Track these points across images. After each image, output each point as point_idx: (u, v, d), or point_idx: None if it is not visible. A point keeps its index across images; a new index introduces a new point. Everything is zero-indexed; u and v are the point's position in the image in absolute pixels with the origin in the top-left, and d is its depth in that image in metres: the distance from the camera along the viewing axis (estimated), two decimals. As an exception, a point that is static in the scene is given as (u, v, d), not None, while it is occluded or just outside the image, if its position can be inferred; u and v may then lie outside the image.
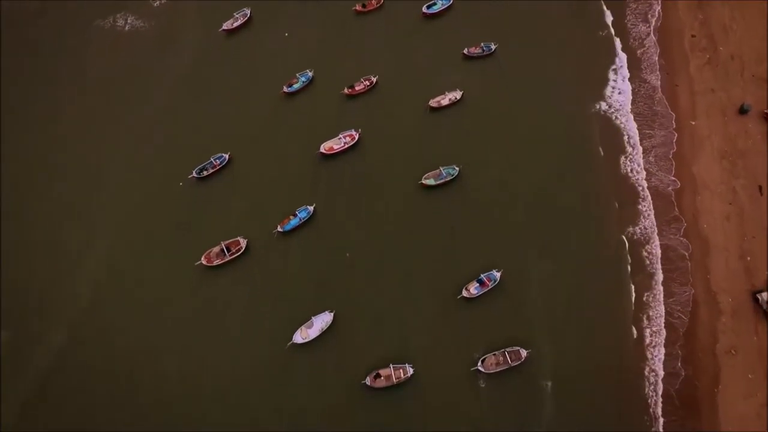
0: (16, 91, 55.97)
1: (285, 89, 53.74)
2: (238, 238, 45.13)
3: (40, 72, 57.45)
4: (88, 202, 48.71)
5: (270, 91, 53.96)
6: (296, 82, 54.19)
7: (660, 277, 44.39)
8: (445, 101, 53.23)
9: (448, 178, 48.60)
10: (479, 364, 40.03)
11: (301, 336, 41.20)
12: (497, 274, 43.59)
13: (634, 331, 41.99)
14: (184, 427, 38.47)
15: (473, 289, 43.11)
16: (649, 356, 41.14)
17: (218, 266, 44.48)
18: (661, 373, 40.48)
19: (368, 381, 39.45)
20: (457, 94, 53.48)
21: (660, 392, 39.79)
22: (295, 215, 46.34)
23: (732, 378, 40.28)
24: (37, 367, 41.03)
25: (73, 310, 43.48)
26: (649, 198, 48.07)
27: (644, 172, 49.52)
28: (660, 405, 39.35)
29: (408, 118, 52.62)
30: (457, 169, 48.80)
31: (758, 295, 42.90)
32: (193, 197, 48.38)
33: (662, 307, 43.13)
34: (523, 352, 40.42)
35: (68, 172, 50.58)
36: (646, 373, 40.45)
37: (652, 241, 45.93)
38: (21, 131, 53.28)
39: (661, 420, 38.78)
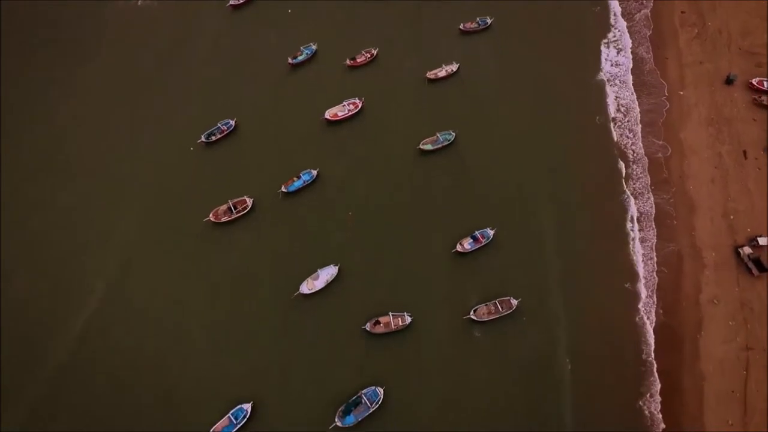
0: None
1: (290, 61, 56.15)
2: (245, 197, 47.44)
3: (58, 47, 60.06)
4: (107, 167, 51.19)
5: (275, 63, 56.46)
6: (300, 55, 56.60)
7: (650, 234, 46.41)
8: (441, 73, 55.51)
9: (445, 144, 50.86)
10: (472, 313, 42.16)
11: (308, 287, 43.43)
12: (490, 232, 45.76)
13: (627, 285, 43.96)
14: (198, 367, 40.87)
15: (467, 244, 45.29)
16: (638, 304, 43.16)
17: (225, 223, 46.78)
18: (649, 320, 42.46)
19: (368, 327, 41.65)
20: (453, 67, 55.73)
21: (648, 338, 41.77)
22: (299, 177, 48.65)
23: (713, 325, 42.29)
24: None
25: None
26: (639, 161, 50.20)
27: (635, 138, 51.65)
28: (648, 348, 41.29)
29: (407, 88, 54.98)
30: (454, 134, 51.06)
31: (740, 250, 44.92)
32: (202, 161, 50.78)
33: (651, 262, 45.13)
34: (514, 302, 42.53)
35: (86, 141, 53.07)
36: (636, 320, 42.44)
37: (641, 200, 48.01)
38: (42, 96, 56.15)
39: (649, 360, 40.70)
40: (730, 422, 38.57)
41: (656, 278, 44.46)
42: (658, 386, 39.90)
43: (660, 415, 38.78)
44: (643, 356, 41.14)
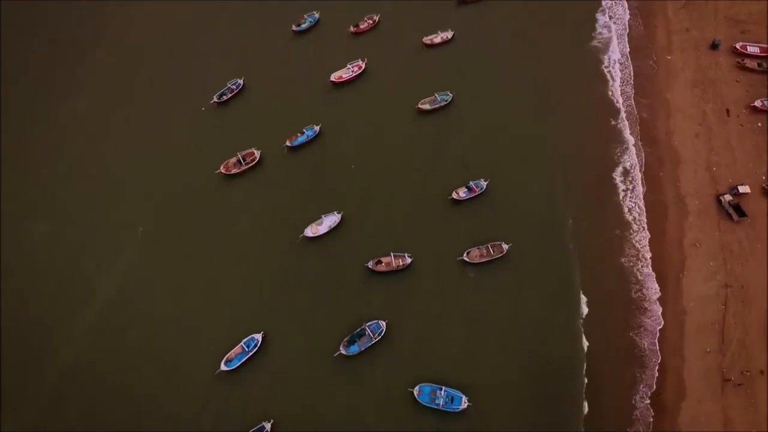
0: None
1: (294, 28, 58.90)
2: (252, 149, 50.22)
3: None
4: (124, 131, 54.20)
5: (280, 29, 59.21)
6: (304, 22, 59.38)
7: (637, 185, 49.05)
8: (437, 39, 58.37)
9: (443, 104, 53.59)
10: (465, 255, 44.84)
11: (312, 231, 46.19)
12: (484, 183, 48.45)
13: (617, 231, 46.64)
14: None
15: (462, 193, 48.00)
16: (626, 249, 45.86)
17: (235, 174, 49.56)
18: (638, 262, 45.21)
19: (371, 265, 44.38)
20: (448, 34, 58.55)
21: (634, 278, 44.43)
22: (302, 132, 51.41)
23: (696, 265, 44.92)
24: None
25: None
26: (628, 118, 52.89)
27: (625, 97, 54.33)
28: (633, 288, 44.00)
29: (407, 53, 57.85)
30: (451, 95, 53.78)
31: (721, 198, 47.52)
32: (213, 119, 53.62)
33: (639, 210, 47.75)
34: (505, 246, 45.19)
35: (102, 109, 56.03)
36: (623, 262, 45.06)
37: (629, 154, 50.66)
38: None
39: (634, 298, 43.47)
40: (708, 350, 41.19)
41: (643, 225, 47.18)
42: (645, 320, 42.65)
43: (644, 343, 41.48)
44: (632, 294, 43.81)
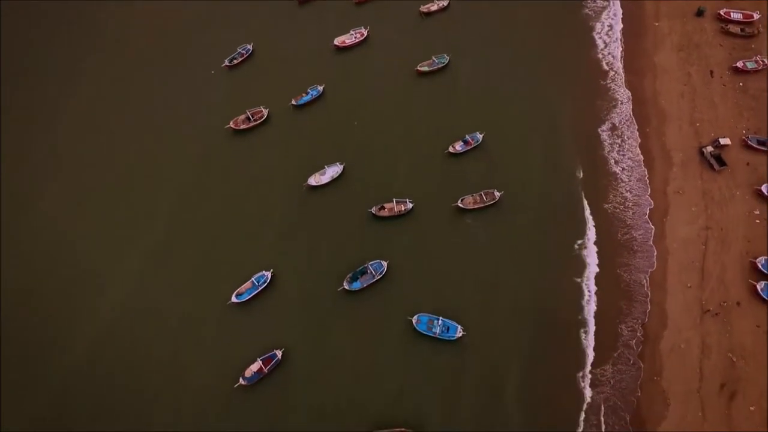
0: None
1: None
2: (260, 107, 53.17)
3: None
4: (139, 92, 57.15)
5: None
6: (308, -7, 62.43)
7: (625, 139, 51.83)
8: (434, 7, 61.38)
9: (440, 66, 56.50)
10: (459, 201, 47.64)
11: (314, 180, 49.05)
12: (479, 136, 51.30)
13: (603, 181, 49.46)
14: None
15: (458, 146, 50.84)
16: (611, 197, 48.65)
17: (244, 130, 52.53)
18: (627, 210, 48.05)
19: (374, 210, 47.23)
20: (444, 2, 61.56)
21: (624, 222, 47.23)
22: (307, 92, 54.40)
23: (679, 210, 47.64)
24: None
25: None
26: (618, 79, 55.71)
27: (615, 60, 57.17)
28: (622, 233, 46.72)
29: (407, 20, 60.78)
30: (447, 58, 56.67)
31: (703, 149, 50.27)
32: (223, 81, 56.60)
33: (626, 163, 50.54)
34: (497, 194, 47.98)
35: (115, 71, 59.06)
36: (606, 208, 47.86)
37: (618, 111, 53.49)
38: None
39: (625, 235, 46.31)
40: (689, 285, 43.89)
41: (630, 178, 49.90)
42: (633, 260, 45.36)
43: (628, 277, 44.31)
44: (618, 236, 46.57)
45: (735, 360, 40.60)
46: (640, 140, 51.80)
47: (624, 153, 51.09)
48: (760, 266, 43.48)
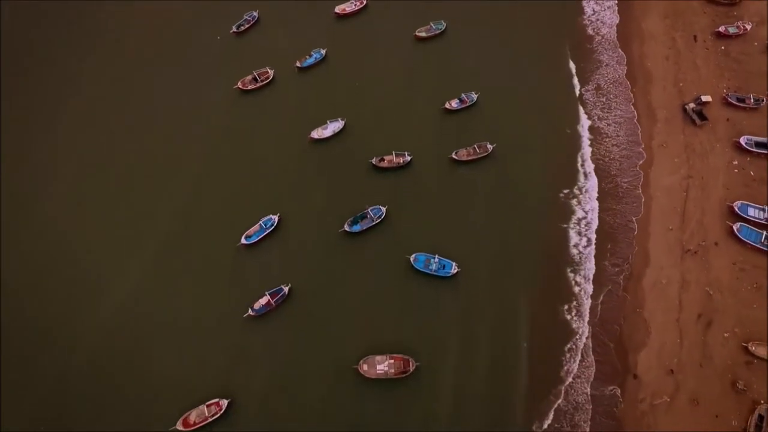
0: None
1: (304, -30, 64.81)
2: (266, 68, 56.10)
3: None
4: (146, 61, 60.03)
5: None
6: (312, -35, 65.16)
7: (611, 98, 54.71)
8: (432, -22, 64.22)
9: (437, 32, 59.38)
10: (454, 154, 50.49)
11: (317, 134, 51.95)
12: (474, 95, 54.17)
13: (580, 129, 52.54)
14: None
15: (454, 103, 53.73)
16: (587, 137, 51.99)
17: (251, 90, 55.43)
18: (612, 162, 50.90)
19: (374, 161, 50.08)
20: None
21: (608, 172, 50.08)
22: (310, 55, 57.33)
23: (662, 162, 50.44)
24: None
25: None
26: (606, 42, 58.59)
27: (605, 25, 60.04)
28: (607, 182, 49.55)
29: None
30: (444, 24, 59.56)
31: (686, 106, 53.09)
32: (230, 46, 59.52)
33: (615, 119, 53.42)
34: (490, 146, 50.81)
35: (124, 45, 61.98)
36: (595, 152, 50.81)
37: (606, 71, 56.44)
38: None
39: (611, 184, 49.21)
40: (670, 228, 46.69)
41: (618, 133, 52.73)
42: (619, 206, 48.28)
43: (614, 221, 47.21)
44: (603, 185, 49.37)
45: (712, 293, 43.39)
46: (633, 98, 54.69)
47: (611, 111, 53.93)
48: (736, 209, 46.28)
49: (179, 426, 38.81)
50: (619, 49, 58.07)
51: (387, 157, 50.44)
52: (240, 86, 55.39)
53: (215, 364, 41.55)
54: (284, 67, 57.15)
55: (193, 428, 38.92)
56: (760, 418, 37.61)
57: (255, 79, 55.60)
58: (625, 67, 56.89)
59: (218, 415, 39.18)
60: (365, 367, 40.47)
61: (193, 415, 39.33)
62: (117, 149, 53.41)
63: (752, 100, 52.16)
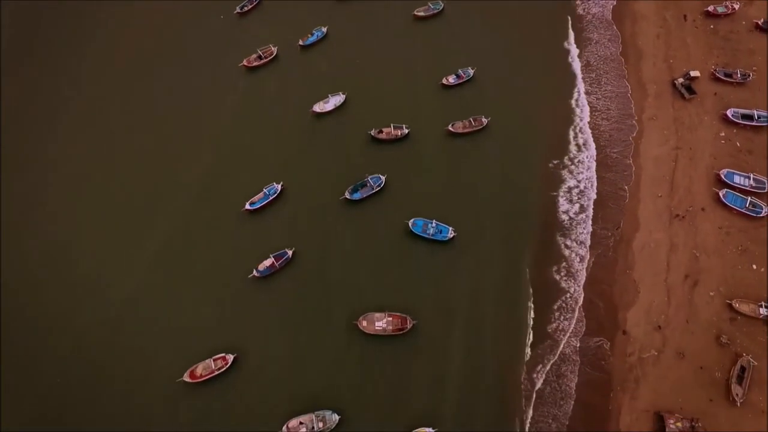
0: None
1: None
2: (270, 46, 58.01)
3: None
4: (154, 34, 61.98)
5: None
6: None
7: (602, 74, 56.56)
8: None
9: (435, 11, 61.30)
10: (450, 126, 52.31)
11: (319, 107, 53.81)
12: (471, 71, 56.01)
13: (573, 104, 54.38)
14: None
15: (451, 79, 55.58)
16: (579, 111, 53.86)
17: (256, 67, 57.35)
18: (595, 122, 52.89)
19: (373, 133, 51.90)
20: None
21: (598, 142, 51.96)
22: (312, 34, 59.28)
23: (652, 134, 52.22)
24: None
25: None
26: (598, 20, 60.46)
27: (596, 5, 61.92)
28: (593, 146, 51.52)
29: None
30: (442, 3, 61.48)
31: (675, 81, 54.88)
32: (234, 26, 61.43)
33: (604, 94, 55.26)
34: (485, 119, 52.62)
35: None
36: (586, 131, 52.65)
37: (597, 48, 58.29)
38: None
39: (604, 154, 51.06)
40: (659, 195, 48.43)
41: (609, 107, 54.55)
42: (609, 174, 50.14)
43: (604, 189, 49.09)
44: (593, 151, 51.32)
45: (698, 255, 45.12)
46: (617, 75, 56.53)
47: (603, 86, 55.77)
48: (723, 177, 48.03)
49: (186, 378, 40.61)
50: (614, 27, 60.04)
51: (385, 130, 52.27)
52: (245, 64, 57.28)
53: (222, 322, 43.33)
54: (287, 45, 59.05)
55: (199, 380, 40.73)
56: (742, 369, 39.30)
57: (259, 57, 57.49)
58: (619, 45, 58.80)
59: (224, 368, 40.98)
60: (364, 323, 42.27)
61: (200, 368, 41.15)
62: (122, 129, 54.90)
63: (739, 75, 53.96)
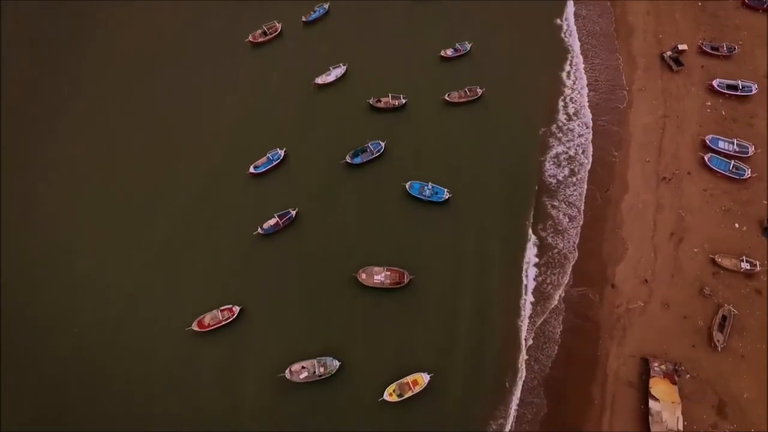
0: None
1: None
2: (274, 21, 60.28)
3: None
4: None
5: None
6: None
7: (595, 49, 58.76)
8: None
9: (434, -9, 63.61)
10: (446, 96, 54.51)
11: (321, 79, 56.01)
12: (468, 45, 58.20)
13: (564, 76, 56.54)
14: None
15: (449, 52, 57.78)
16: (570, 83, 56.03)
17: (260, 43, 59.58)
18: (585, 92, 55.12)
19: (372, 101, 54.05)
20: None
21: (584, 103, 54.27)
22: (315, 10, 61.56)
23: (641, 103, 54.31)
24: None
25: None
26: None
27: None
28: (588, 119, 53.60)
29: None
30: (440, -15, 63.80)
31: (663, 54, 56.96)
32: (238, 4, 63.67)
33: (595, 66, 57.40)
34: (480, 90, 54.78)
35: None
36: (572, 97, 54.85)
37: (589, 23, 60.64)
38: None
39: (595, 123, 53.21)
40: (647, 160, 50.49)
41: (599, 79, 56.68)
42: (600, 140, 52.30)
43: (593, 150, 51.26)
44: (585, 120, 53.50)
45: (684, 215, 47.12)
46: (617, 48, 58.76)
47: (595, 58, 57.93)
48: (708, 142, 50.06)
49: (194, 327, 42.71)
50: (607, 3, 62.31)
51: (383, 99, 54.43)
52: (251, 39, 59.51)
53: (228, 276, 45.46)
54: (291, 22, 61.30)
55: (207, 329, 42.83)
56: (723, 317, 41.27)
57: (264, 33, 59.77)
58: (611, 22, 61.00)
59: (231, 319, 43.07)
60: (363, 275, 44.34)
61: (208, 318, 43.25)
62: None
63: (725, 49, 56.03)
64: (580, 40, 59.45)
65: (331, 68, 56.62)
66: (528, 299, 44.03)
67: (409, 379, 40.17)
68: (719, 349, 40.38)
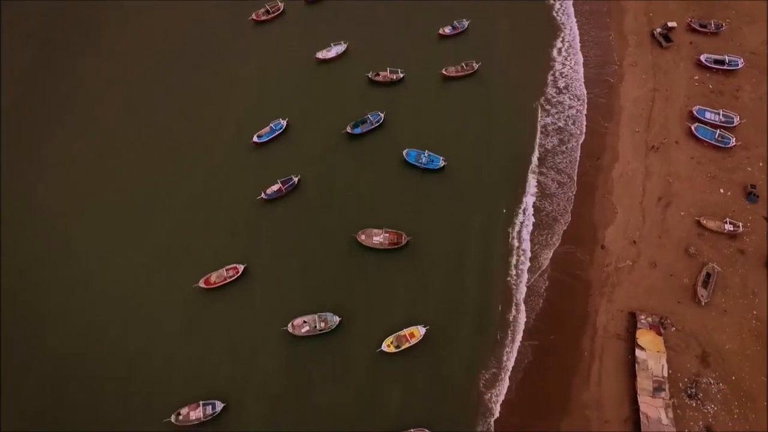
0: None
1: None
2: (277, 1, 62.24)
3: None
4: None
5: None
6: None
7: (588, 25, 60.82)
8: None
9: (432, -27, 65.52)
10: (444, 70, 56.44)
11: (322, 55, 57.99)
12: (466, 23, 60.16)
13: (557, 52, 58.58)
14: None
15: (447, 29, 59.75)
16: (562, 59, 57.96)
17: (264, 21, 61.59)
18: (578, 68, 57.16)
19: (370, 75, 55.96)
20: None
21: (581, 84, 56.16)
22: (317, -8, 63.73)
23: (632, 78, 56.22)
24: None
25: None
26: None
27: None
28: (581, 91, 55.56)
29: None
30: (438, -33, 65.71)
31: (653, 31, 58.89)
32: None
33: (588, 43, 59.36)
34: (476, 64, 56.70)
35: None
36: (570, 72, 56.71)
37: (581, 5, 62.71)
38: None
39: (586, 96, 55.13)
40: (637, 130, 52.38)
41: (590, 54, 58.63)
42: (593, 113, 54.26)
43: (585, 121, 53.20)
44: (576, 92, 55.47)
45: (671, 181, 48.97)
46: (609, 25, 60.77)
47: (587, 35, 59.90)
48: (695, 113, 51.91)
49: (201, 284, 44.54)
50: (595, -14, 64.42)
51: (382, 73, 56.34)
52: (254, 18, 61.49)
53: (232, 237, 47.32)
54: (293, 1, 63.28)
55: (213, 287, 44.64)
56: (708, 275, 43.06)
57: (267, 12, 61.73)
58: (604, 1, 63.00)
59: (235, 277, 44.88)
60: (363, 236, 46.19)
61: (213, 276, 45.05)
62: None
63: (713, 26, 57.97)
64: (573, 19, 61.42)
65: (332, 44, 58.56)
66: (520, 258, 45.84)
67: (406, 331, 41.97)
68: (703, 304, 42.18)
